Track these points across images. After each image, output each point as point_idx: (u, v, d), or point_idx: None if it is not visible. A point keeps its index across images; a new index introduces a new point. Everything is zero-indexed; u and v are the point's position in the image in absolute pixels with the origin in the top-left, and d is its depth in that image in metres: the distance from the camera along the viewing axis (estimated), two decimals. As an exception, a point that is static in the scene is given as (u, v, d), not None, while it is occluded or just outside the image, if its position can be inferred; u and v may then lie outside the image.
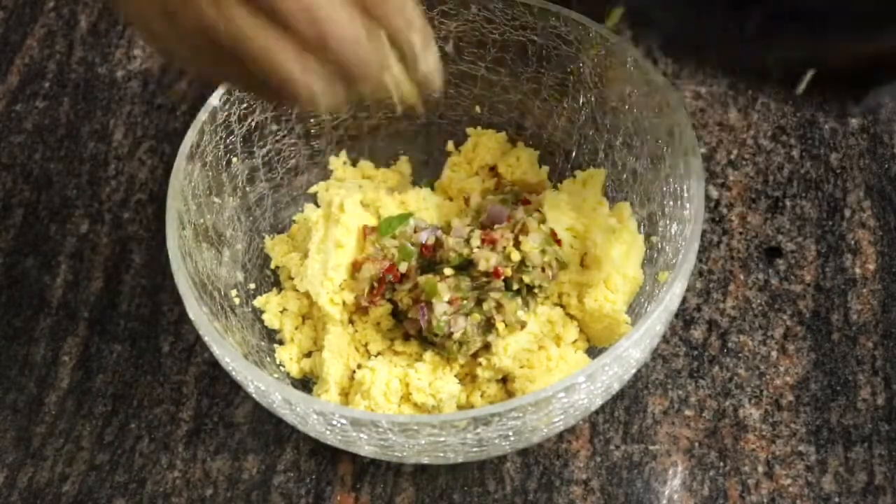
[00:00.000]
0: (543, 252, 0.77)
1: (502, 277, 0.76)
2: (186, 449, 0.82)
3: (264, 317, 0.81)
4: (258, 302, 0.81)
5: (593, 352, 0.80)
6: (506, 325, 0.76)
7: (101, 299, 0.88)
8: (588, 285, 0.79)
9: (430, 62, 0.67)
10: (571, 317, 0.80)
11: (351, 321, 0.80)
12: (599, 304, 0.78)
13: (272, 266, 0.84)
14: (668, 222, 0.79)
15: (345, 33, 0.63)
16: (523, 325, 0.77)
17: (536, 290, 0.77)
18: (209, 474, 0.81)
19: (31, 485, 0.81)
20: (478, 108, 0.87)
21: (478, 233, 0.78)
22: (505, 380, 0.79)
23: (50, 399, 0.84)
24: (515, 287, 0.77)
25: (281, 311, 0.81)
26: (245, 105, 0.81)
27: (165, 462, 0.81)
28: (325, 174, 0.87)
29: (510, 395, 0.78)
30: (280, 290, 0.83)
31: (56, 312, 0.88)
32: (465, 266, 0.77)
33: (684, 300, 0.85)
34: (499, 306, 0.76)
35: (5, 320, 0.88)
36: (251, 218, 0.84)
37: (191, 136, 0.78)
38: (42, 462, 0.82)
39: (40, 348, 0.86)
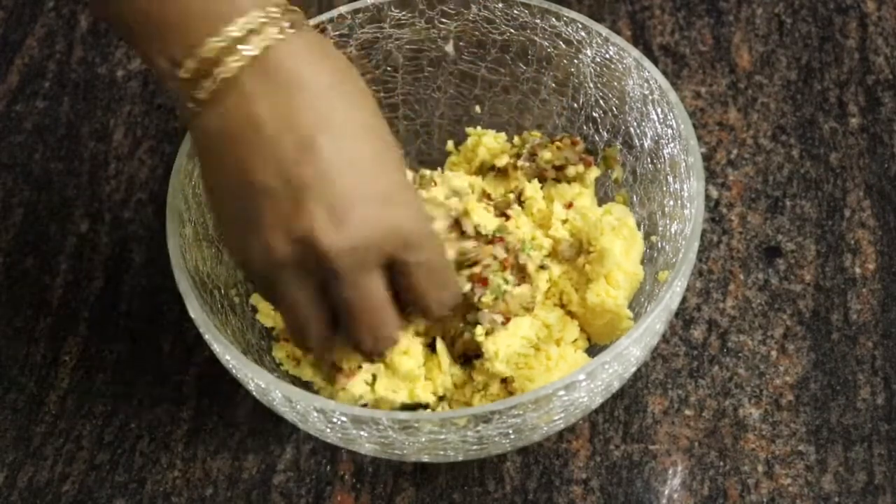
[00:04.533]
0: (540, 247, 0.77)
1: (502, 245, 0.76)
2: (186, 449, 0.82)
3: (258, 315, 0.81)
4: (253, 299, 0.81)
5: (593, 351, 0.80)
6: (486, 303, 0.76)
7: (101, 299, 0.88)
8: (589, 280, 0.79)
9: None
10: (572, 315, 0.80)
11: None
12: (601, 300, 0.78)
13: None
14: (668, 222, 0.79)
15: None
16: (506, 311, 0.77)
17: (530, 270, 0.77)
18: (209, 474, 0.81)
19: (31, 485, 0.81)
20: (478, 108, 0.87)
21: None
22: (505, 379, 0.79)
23: (50, 399, 0.84)
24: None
25: (274, 309, 0.81)
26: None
27: (165, 462, 0.81)
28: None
29: (511, 393, 0.78)
30: None
31: (56, 312, 0.88)
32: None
33: (684, 300, 0.85)
34: (483, 279, 0.76)
35: (5, 320, 0.88)
36: (251, 217, 0.83)
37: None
38: (42, 462, 0.82)
39: (40, 348, 0.86)
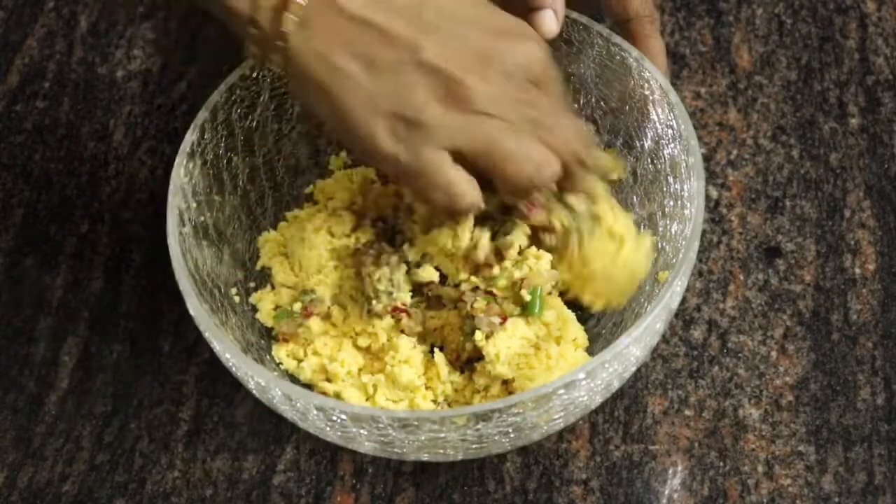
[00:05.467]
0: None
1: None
2: (186, 449, 0.82)
3: (258, 314, 0.81)
4: (253, 299, 0.81)
5: (593, 351, 0.80)
6: (479, 308, 0.77)
7: (101, 299, 0.88)
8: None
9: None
10: (583, 282, 0.80)
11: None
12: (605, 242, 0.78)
13: (259, 265, 0.83)
14: (668, 222, 0.79)
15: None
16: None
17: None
18: (209, 474, 0.81)
19: (31, 485, 0.81)
20: (478, 109, 0.87)
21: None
22: (506, 381, 0.79)
23: (50, 399, 0.84)
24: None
25: (274, 308, 0.81)
26: (246, 104, 0.81)
27: (165, 462, 0.81)
28: (326, 174, 0.87)
29: (511, 393, 0.78)
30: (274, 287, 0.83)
31: (56, 312, 0.88)
32: None
33: (684, 300, 0.85)
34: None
35: (5, 320, 0.88)
36: (251, 217, 0.84)
37: (192, 134, 0.78)
38: (42, 462, 0.82)
39: (40, 348, 0.86)
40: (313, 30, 0.68)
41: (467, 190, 0.70)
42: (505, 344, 0.76)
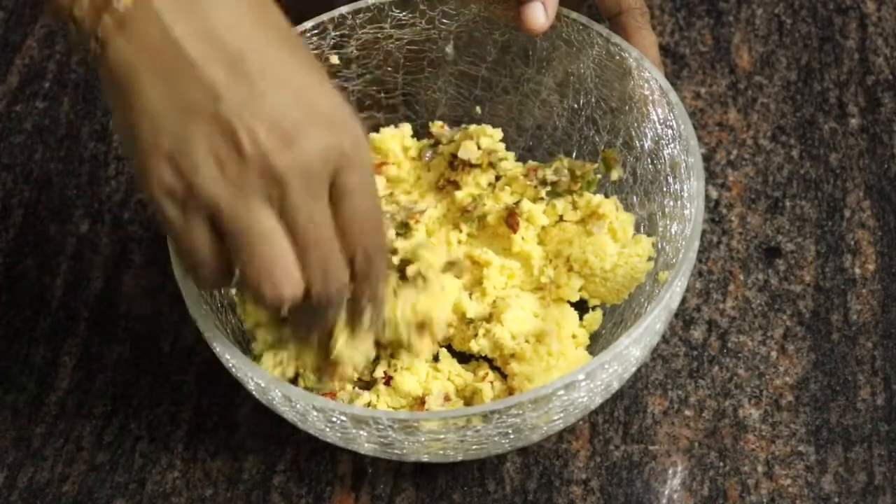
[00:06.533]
0: None
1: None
2: (186, 449, 0.82)
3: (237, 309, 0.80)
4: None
5: (593, 351, 0.80)
6: None
7: (101, 299, 0.88)
8: (588, 234, 0.80)
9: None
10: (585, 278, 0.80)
11: None
12: (606, 242, 0.79)
13: None
14: (668, 222, 0.79)
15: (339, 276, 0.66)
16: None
17: None
18: (209, 474, 0.81)
19: (31, 485, 0.81)
20: (478, 109, 0.87)
21: None
22: (505, 376, 0.79)
23: (50, 399, 0.84)
24: None
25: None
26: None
27: (165, 462, 0.81)
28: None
29: (510, 393, 0.78)
30: None
31: (56, 312, 0.88)
32: None
33: (684, 300, 0.85)
34: None
35: (5, 320, 0.88)
36: (251, 217, 0.83)
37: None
38: (42, 462, 0.82)
39: (40, 348, 0.86)
40: (128, 39, 0.62)
41: (205, 266, 0.65)
42: (513, 312, 0.76)
